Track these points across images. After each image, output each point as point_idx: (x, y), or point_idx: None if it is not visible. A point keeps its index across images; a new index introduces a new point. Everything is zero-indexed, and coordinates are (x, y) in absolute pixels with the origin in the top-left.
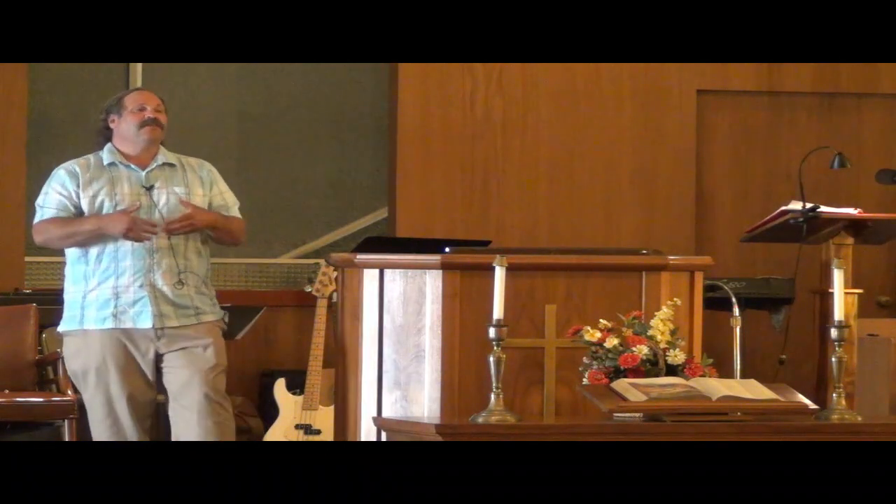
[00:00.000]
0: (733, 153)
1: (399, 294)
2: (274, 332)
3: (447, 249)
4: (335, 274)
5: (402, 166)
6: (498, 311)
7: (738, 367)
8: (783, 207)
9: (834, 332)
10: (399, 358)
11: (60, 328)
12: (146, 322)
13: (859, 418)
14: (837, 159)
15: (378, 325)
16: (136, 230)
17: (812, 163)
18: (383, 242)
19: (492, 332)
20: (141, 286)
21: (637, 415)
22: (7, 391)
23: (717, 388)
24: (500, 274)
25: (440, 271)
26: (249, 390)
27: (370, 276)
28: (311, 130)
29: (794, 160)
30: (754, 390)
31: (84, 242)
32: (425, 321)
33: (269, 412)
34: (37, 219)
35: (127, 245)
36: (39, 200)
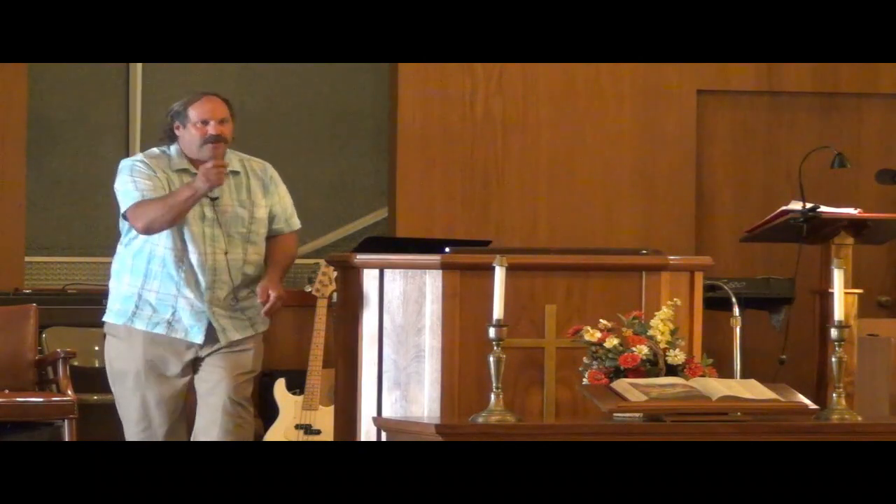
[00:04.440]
0: (733, 153)
1: (399, 294)
2: (274, 332)
3: (447, 249)
4: (335, 274)
5: (402, 166)
6: (498, 311)
7: (738, 367)
8: (783, 207)
9: (834, 332)
10: (399, 358)
11: (107, 318)
12: (197, 337)
13: (859, 418)
14: (837, 159)
15: (378, 325)
16: (214, 176)
17: (812, 163)
18: (383, 242)
19: (492, 332)
20: (202, 300)
21: (637, 415)
22: (7, 391)
23: (717, 388)
24: (500, 274)
25: (440, 271)
26: None
27: (370, 276)
28: (311, 130)
29: (794, 160)
30: (754, 390)
31: (184, 214)
32: (425, 321)
33: (269, 412)
34: (130, 202)
35: (194, 256)
36: (126, 188)
